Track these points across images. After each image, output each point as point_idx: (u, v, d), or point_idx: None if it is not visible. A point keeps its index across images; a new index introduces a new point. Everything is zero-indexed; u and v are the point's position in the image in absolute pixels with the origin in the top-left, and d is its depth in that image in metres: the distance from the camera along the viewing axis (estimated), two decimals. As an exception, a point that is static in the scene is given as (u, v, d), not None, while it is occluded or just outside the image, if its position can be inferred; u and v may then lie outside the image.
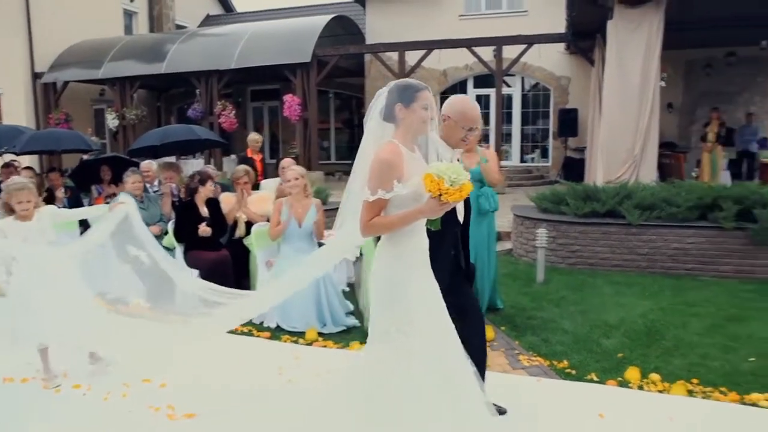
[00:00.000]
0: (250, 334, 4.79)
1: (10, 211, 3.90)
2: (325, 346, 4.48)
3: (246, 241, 5.89)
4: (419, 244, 2.52)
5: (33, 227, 3.90)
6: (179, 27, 20.39)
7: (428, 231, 2.53)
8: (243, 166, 6.52)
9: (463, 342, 2.53)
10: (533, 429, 3.17)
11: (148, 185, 6.73)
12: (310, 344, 4.53)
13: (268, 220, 5.56)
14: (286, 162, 6.57)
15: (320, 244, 5.57)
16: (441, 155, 2.55)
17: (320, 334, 4.69)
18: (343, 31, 16.70)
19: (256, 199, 6.33)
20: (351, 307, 5.17)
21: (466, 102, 3.03)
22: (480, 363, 2.90)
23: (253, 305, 3.70)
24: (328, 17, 15.56)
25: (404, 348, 2.41)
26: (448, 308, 2.55)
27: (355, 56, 16.38)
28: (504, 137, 15.44)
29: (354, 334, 4.75)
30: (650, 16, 8.69)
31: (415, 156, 2.50)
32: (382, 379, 2.43)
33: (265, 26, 16.45)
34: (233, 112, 15.21)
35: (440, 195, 2.23)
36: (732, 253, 6.41)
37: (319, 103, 15.68)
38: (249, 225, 5.91)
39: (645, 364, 4.01)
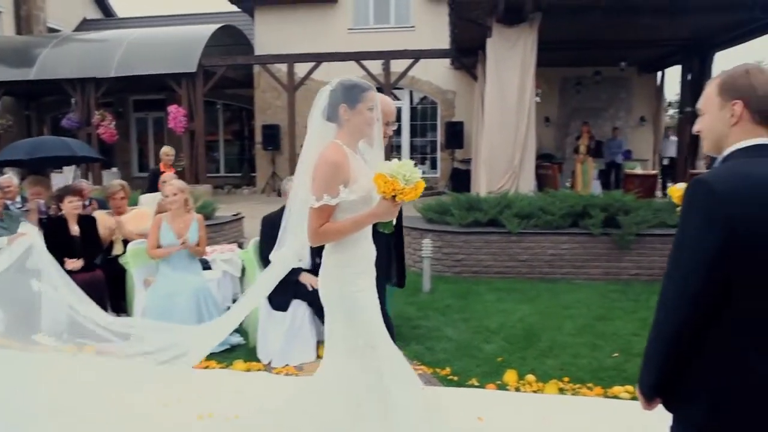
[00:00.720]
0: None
1: None
2: (207, 367, 4.30)
3: (122, 260, 5.56)
4: (366, 252, 2.44)
5: None
6: (51, 30, 18.99)
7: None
8: (118, 180, 6.17)
9: None
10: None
11: (8, 202, 6.18)
12: (191, 365, 4.33)
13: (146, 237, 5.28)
14: (166, 176, 6.31)
15: (203, 261, 5.38)
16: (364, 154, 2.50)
17: (203, 354, 4.50)
18: (231, 41, 16.34)
19: (135, 215, 6.00)
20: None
21: (381, 99, 3.05)
22: None
23: (207, 341, 3.43)
24: (215, 26, 15.20)
25: (375, 363, 2.39)
26: None
27: (243, 67, 16.10)
28: (394, 149, 15.75)
29: (238, 352, 4.61)
30: (525, 36, 9.22)
31: (357, 157, 2.41)
32: (356, 395, 2.38)
33: (148, 33, 15.75)
34: (113, 122, 14.41)
35: (394, 196, 2.16)
36: (600, 256, 6.91)
37: (207, 115, 15.23)
38: (126, 243, 5.58)
39: (522, 366, 4.21)
